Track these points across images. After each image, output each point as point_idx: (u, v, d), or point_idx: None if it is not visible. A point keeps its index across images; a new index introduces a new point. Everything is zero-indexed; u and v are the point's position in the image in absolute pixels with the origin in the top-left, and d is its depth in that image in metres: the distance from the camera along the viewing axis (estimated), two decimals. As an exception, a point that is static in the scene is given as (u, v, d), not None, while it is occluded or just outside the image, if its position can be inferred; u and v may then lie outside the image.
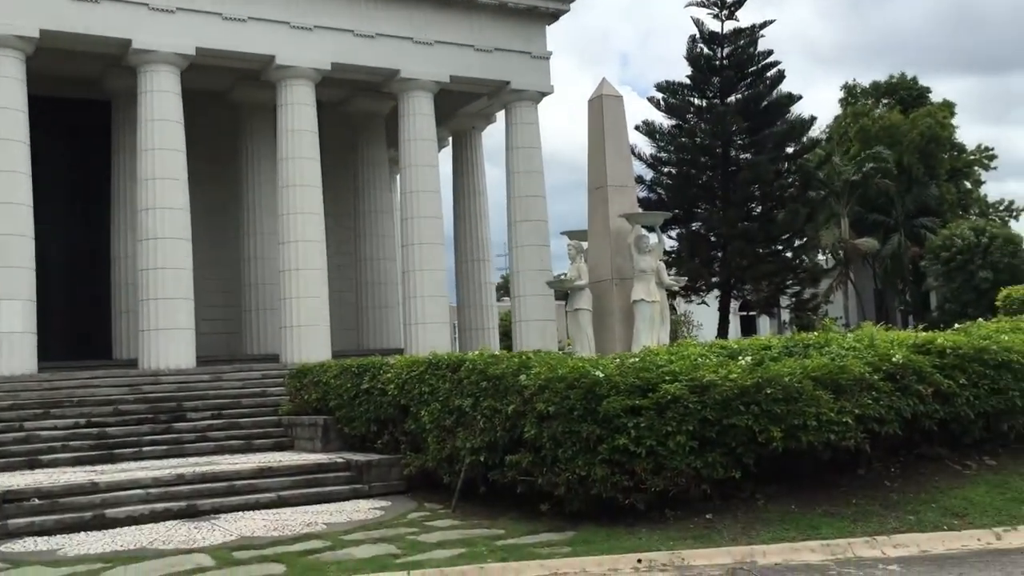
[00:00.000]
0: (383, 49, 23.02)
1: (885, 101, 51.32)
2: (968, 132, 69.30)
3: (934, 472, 10.16)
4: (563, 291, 17.60)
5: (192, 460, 14.80)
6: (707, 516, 9.49)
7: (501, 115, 26.79)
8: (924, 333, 11.02)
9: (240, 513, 11.92)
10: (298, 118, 21.99)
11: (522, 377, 10.76)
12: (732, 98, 29.41)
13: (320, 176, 22.35)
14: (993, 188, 58.70)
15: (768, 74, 29.15)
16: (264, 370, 20.51)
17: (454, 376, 12.31)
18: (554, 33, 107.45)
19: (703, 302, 30.43)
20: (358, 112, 26.63)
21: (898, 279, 47.00)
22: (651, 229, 16.91)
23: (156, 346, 20.12)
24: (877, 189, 39.64)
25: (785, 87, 29.44)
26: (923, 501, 9.49)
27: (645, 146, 30.25)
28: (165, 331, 20.15)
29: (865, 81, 53.22)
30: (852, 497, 9.70)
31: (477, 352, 12.61)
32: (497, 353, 12.22)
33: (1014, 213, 60.46)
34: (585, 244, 17.39)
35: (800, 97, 28.69)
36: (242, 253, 24.70)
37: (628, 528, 9.44)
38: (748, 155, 28.36)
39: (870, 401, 9.66)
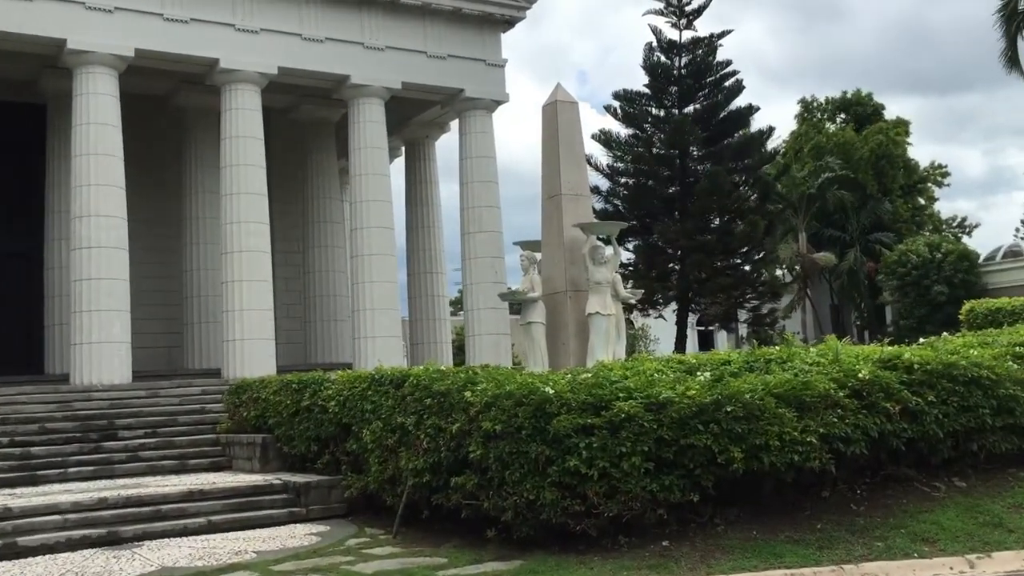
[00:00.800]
0: (332, 54, 22.30)
1: (841, 116, 51.68)
2: (919, 151, 70.02)
3: (902, 494, 9.64)
4: (516, 304, 16.96)
5: (121, 482, 13.91)
6: (663, 543, 8.87)
7: (455, 124, 26.16)
8: (890, 348, 10.53)
9: (166, 540, 11.08)
10: (243, 124, 21.17)
11: (468, 394, 10.09)
12: (690, 108, 28.99)
13: (266, 184, 21.54)
14: (943, 207, 59.65)
15: (726, 84, 28.73)
16: (204, 386, 19.58)
17: (397, 392, 11.62)
18: (512, 49, 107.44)
19: (660, 316, 29.86)
20: (308, 119, 25.86)
21: (854, 294, 47.20)
22: (607, 241, 16.36)
23: (89, 360, 19.12)
24: (834, 202, 39.56)
25: (740, 101, 29.29)
26: (891, 526, 8.96)
27: (602, 156, 29.81)
28: (99, 344, 19.15)
29: (821, 96, 53.65)
30: (817, 522, 9.13)
31: (422, 367, 11.92)
32: (443, 368, 11.54)
33: (967, 229, 61.37)
34: (539, 255, 16.80)
35: (758, 108, 28.49)
36: (185, 264, 23.74)
37: (580, 556, 8.79)
38: (706, 166, 27.88)
39: (835, 419, 9.12)
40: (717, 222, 27.67)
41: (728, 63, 28.79)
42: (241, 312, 20.66)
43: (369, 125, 22.76)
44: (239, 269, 20.74)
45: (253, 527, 11.75)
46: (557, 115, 16.59)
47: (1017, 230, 63.24)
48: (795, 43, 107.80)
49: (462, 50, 24.07)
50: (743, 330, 38.98)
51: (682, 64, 29.04)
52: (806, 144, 44.64)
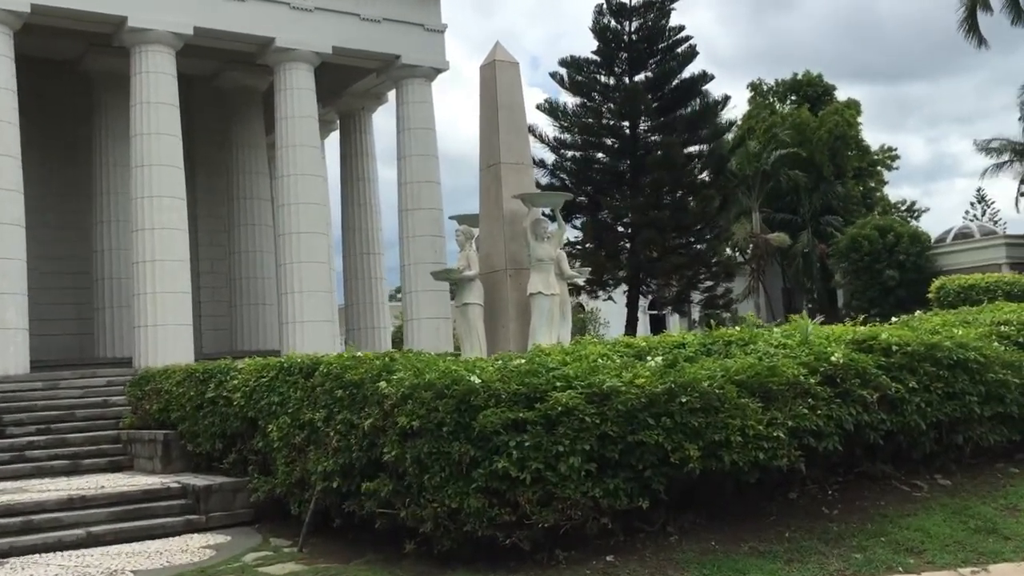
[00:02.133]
0: (255, 14, 20.54)
1: (792, 98, 50.87)
2: (866, 137, 69.92)
3: (879, 495, 8.42)
4: (454, 284, 15.52)
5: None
6: (607, 557, 7.55)
7: (393, 96, 24.55)
8: (864, 328, 9.28)
9: (33, 557, 9.49)
10: (155, 89, 19.36)
11: (382, 384, 8.65)
12: (641, 76, 27.37)
13: (181, 155, 19.77)
14: (889, 192, 59.48)
15: (679, 50, 27.08)
16: (112, 376, 17.85)
17: (307, 383, 10.17)
18: (462, 37, 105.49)
19: (609, 298, 28.34)
20: (232, 88, 24.07)
21: (805, 277, 46.57)
22: (552, 216, 14.99)
23: (-20, 349, 17.29)
24: (788, 182, 38.60)
25: (693, 68, 27.68)
26: (870, 533, 7.72)
27: (547, 128, 28.26)
28: (-9, 331, 17.33)
29: (771, 80, 52.77)
30: (785, 529, 7.88)
31: (336, 353, 10.44)
32: (360, 354, 10.06)
33: (915, 214, 61.18)
34: (476, 231, 15.36)
35: (713, 77, 26.88)
36: (94, 243, 21.89)
37: (510, 574, 7.44)
38: (658, 138, 26.38)
39: (806, 411, 7.84)
40: (669, 198, 26.12)
41: (681, 28, 27.24)
42: (154, 295, 18.92)
43: (297, 92, 21.07)
44: (151, 248, 18.99)
45: (142, 539, 10.23)
46: (496, 76, 15.12)
47: (966, 212, 63.40)
48: (744, 32, 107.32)
49: (398, 13, 22.45)
50: (696, 313, 37.82)
51: (633, 29, 27.31)
52: (759, 125, 43.65)
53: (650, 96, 26.43)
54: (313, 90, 21.42)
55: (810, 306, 50.63)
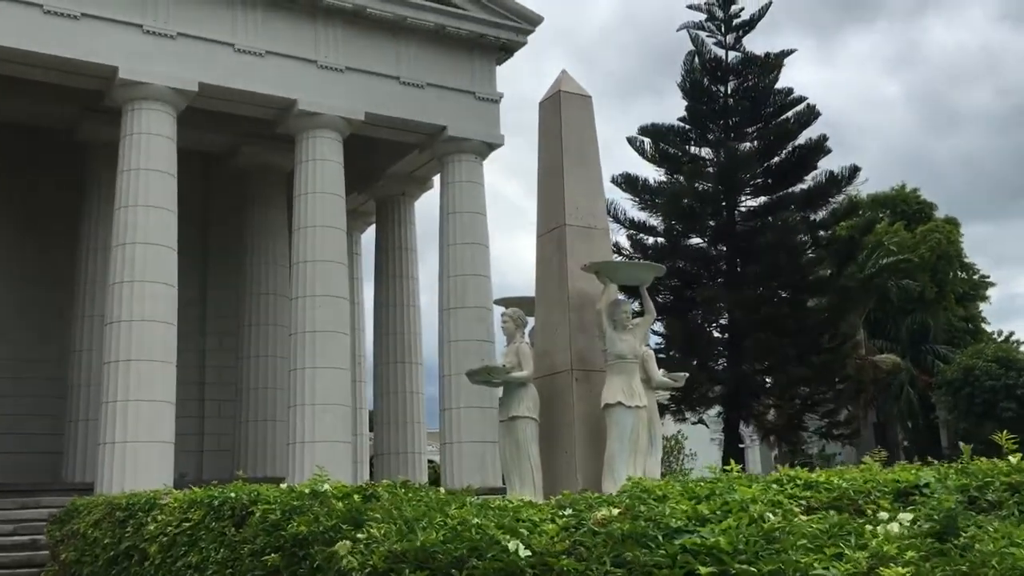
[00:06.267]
0: (275, 72, 17.27)
1: (884, 213, 46.56)
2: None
3: None
4: (491, 387, 11.27)
5: None
6: None
7: (438, 179, 21.03)
8: None
9: None
10: (148, 153, 15.99)
11: (341, 547, 4.48)
12: (744, 145, 22.60)
13: (175, 232, 16.19)
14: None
15: (789, 114, 22.27)
16: (57, 507, 13.73)
17: (237, 533, 5.99)
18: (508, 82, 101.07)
19: (700, 420, 23.17)
20: (251, 166, 20.75)
21: (900, 410, 41.40)
22: (634, 295, 10.81)
23: None
24: (898, 294, 33.84)
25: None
26: None
27: (622, 202, 23.84)
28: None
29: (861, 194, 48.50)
30: None
31: (284, 487, 6.21)
32: (327, 486, 5.84)
33: (1016, 345, 55.27)
34: (531, 320, 11.24)
35: (830, 150, 21.84)
36: (73, 343, 18.23)
37: None
38: (762, 221, 21.34)
39: None
40: (780, 295, 21.03)
41: (790, 91, 22.52)
42: (126, 404, 15.00)
43: (321, 164, 17.56)
44: (127, 344, 15.21)
45: None
46: (561, 112, 11.27)
47: (1059, 346, 57.28)
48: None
49: (446, 79, 19.07)
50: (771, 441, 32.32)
51: (730, 91, 22.90)
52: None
53: (756, 164, 21.85)
54: (340, 163, 17.92)
55: (906, 444, 45.08)
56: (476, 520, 4.16)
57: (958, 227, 45.79)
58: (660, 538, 3.84)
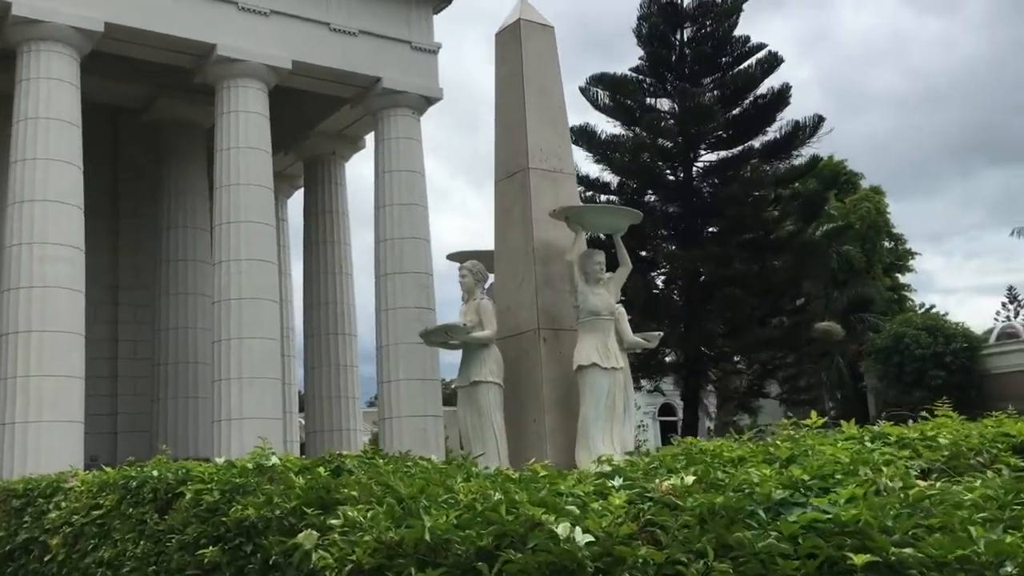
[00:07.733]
0: (190, 13, 15.64)
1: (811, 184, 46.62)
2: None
3: None
4: (449, 349, 10.10)
5: None
6: None
7: (371, 139, 19.68)
8: None
9: None
10: (48, 100, 14.28)
11: (305, 538, 3.33)
12: (703, 96, 20.97)
13: (81, 189, 14.55)
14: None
15: (748, 63, 21.09)
16: (-52, 496, 12.14)
17: (162, 521, 4.79)
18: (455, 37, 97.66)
19: (656, 388, 22.28)
20: (167, 120, 19.02)
21: (835, 379, 41.60)
22: (603, 246, 9.83)
23: None
24: (840, 261, 33.74)
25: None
26: None
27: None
28: None
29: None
30: None
31: (223, 461, 5.00)
32: (275, 459, 4.65)
33: (942, 315, 56.17)
34: (491, 276, 10.13)
35: (789, 101, 20.66)
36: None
37: None
38: (726, 174, 20.37)
39: None
40: (743, 253, 20.04)
41: (747, 39, 21.30)
42: (27, 380, 13.40)
43: (244, 116, 16.04)
44: (27, 314, 13.58)
45: None
46: (521, 44, 10.13)
47: (998, 313, 58.74)
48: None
49: (380, 26, 17.68)
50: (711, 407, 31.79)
51: (687, 37, 21.71)
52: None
53: (718, 110, 20.60)
54: (266, 116, 16.44)
55: (833, 411, 45.47)
56: (500, 495, 3.05)
57: (884, 196, 46.16)
58: (762, 513, 2.80)
